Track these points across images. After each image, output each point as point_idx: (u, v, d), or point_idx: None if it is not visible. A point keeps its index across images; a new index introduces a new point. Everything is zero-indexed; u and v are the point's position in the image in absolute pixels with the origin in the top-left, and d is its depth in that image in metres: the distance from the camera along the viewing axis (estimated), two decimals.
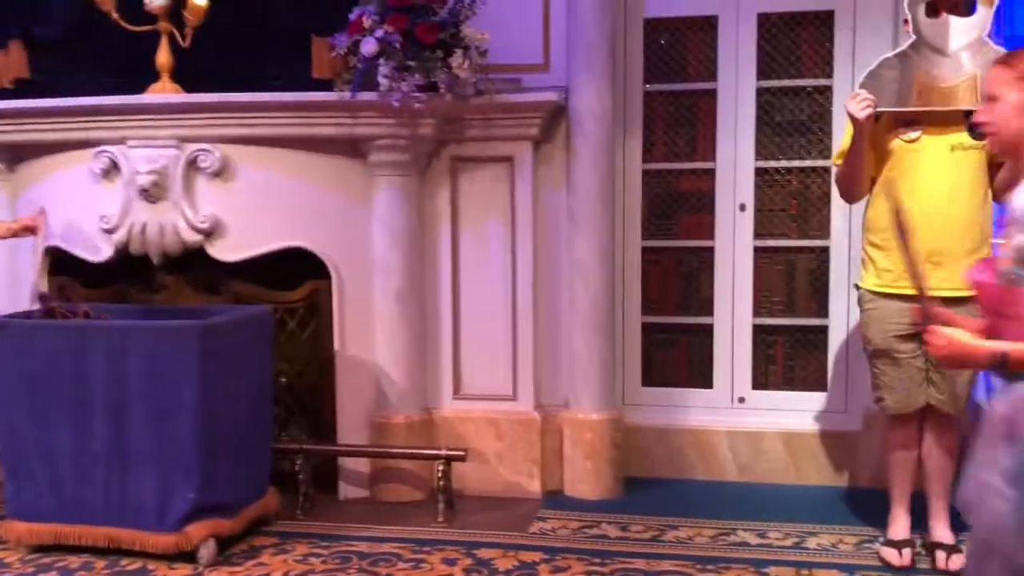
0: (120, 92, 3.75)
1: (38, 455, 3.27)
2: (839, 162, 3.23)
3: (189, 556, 3.21)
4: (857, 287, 3.25)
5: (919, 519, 3.23)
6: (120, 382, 3.17)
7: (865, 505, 3.63)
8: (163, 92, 3.75)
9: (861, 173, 3.14)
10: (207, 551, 3.21)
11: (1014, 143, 1.91)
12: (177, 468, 3.17)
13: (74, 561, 3.26)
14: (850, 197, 3.28)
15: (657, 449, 4.07)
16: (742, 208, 3.99)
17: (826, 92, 3.91)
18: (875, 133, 3.09)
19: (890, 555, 3.17)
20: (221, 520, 3.26)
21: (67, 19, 3.94)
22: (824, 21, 3.89)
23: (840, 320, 3.94)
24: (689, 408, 4.09)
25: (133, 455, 3.20)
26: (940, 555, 3.13)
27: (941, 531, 3.18)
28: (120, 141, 3.72)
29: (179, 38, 3.75)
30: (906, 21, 3.14)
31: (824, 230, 3.96)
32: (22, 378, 3.25)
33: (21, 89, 4.01)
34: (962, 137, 3.02)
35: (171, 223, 3.70)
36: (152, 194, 3.65)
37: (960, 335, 1.83)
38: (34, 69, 4.02)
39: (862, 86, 3.08)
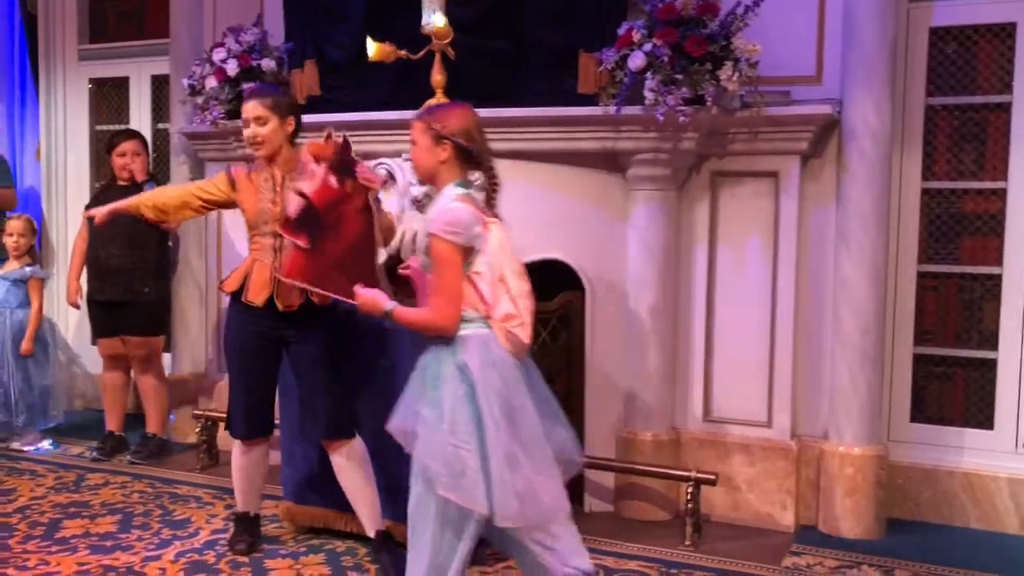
0: (398, 108, 3.98)
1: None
2: None
3: None
4: None
5: None
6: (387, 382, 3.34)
7: None
8: None
9: None
10: None
11: (429, 174, 2.60)
12: None
13: (339, 545, 3.47)
14: None
15: (924, 491, 3.76)
16: None
17: None
18: None
19: None
20: None
21: (354, 43, 4.24)
22: None
23: None
24: (964, 449, 3.75)
25: (394, 448, 3.34)
26: None
27: None
28: (397, 154, 3.95)
29: (449, 53, 3.92)
30: None
31: None
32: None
33: (312, 105, 4.36)
34: None
35: None
36: (424, 205, 3.84)
37: (378, 294, 2.59)
38: (324, 87, 4.36)
39: None
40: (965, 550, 3.47)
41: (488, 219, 2.53)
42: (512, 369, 2.50)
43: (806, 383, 3.78)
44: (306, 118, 4.22)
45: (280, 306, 3.21)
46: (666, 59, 3.45)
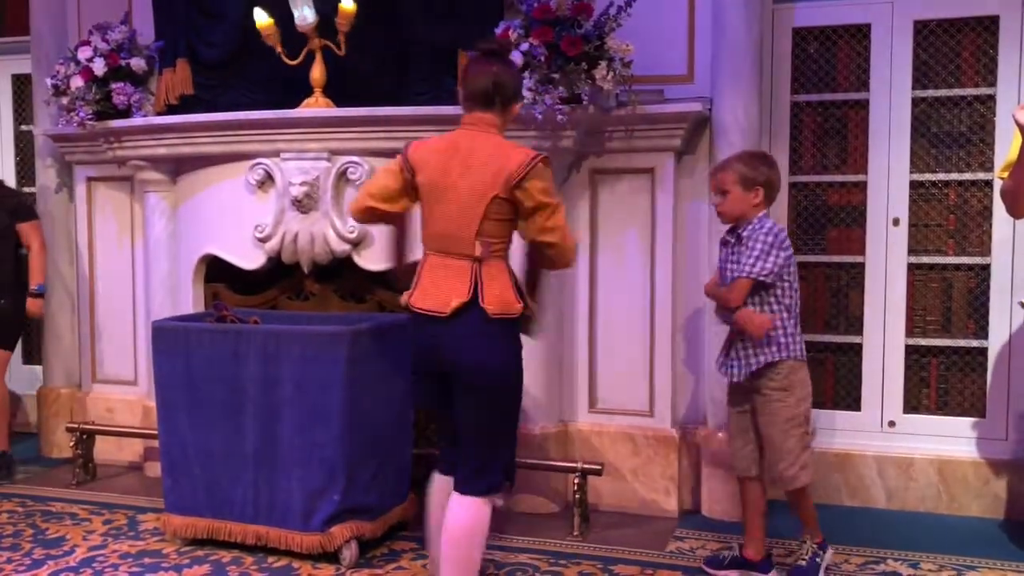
0: (275, 107, 3.92)
1: (194, 453, 3.43)
2: (1005, 175, 3.04)
3: (332, 557, 3.30)
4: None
5: None
6: (272, 385, 3.29)
7: None
8: (315, 107, 3.89)
9: None
10: (349, 552, 3.29)
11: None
12: (323, 470, 3.26)
13: (225, 556, 3.39)
14: (1017, 211, 3.09)
15: None
16: (895, 222, 3.82)
17: (988, 102, 3.72)
18: None
19: None
20: (363, 523, 3.34)
21: (228, 42, 4.17)
22: (987, 28, 3.70)
23: (1001, 342, 3.72)
24: (835, 431, 3.93)
25: (282, 457, 3.31)
26: None
27: None
28: (275, 154, 3.89)
29: (334, 48, 3.88)
30: None
31: (984, 246, 3.76)
32: (180, 379, 3.42)
33: (185, 104, 4.25)
34: None
35: (321, 233, 3.83)
36: (304, 205, 3.79)
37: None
38: (197, 86, 4.26)
39: None
40: (837, 525, 3.62)
41: None
42: None
43: (686, 371, 3.90)
44: (178, 118, 4.16)
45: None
46: (543, 58, 3.50)
